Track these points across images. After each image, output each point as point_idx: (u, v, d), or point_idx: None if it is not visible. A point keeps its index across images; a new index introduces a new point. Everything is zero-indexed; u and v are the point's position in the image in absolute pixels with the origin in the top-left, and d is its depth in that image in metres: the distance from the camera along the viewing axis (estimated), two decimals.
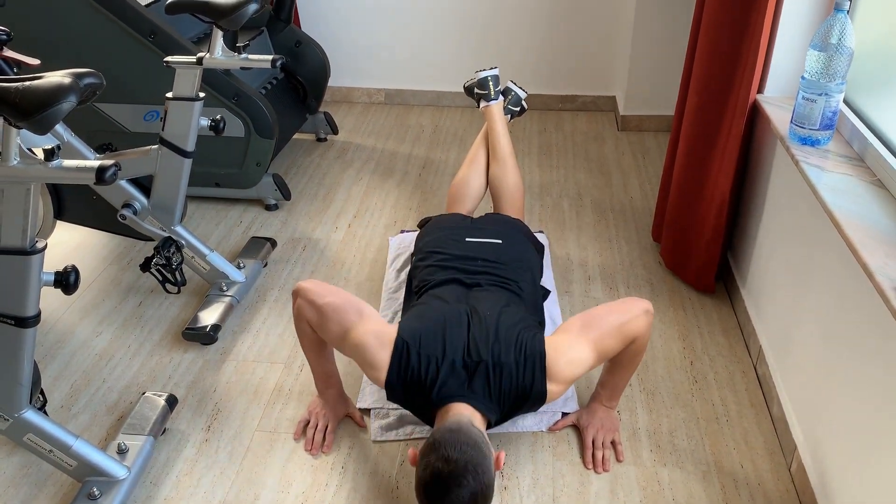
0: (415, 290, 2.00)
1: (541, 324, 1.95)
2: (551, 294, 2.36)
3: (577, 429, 1.90)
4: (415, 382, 1.64)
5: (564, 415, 1.93)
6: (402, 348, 1.65)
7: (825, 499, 1.59)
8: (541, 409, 1.93)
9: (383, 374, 1.65)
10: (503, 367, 1.63)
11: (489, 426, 1.67)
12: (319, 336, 1.79)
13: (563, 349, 1.66)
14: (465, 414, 1.59)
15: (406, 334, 1.67)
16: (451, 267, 1.96)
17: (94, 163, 1.32)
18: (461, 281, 1.92)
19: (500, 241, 2.07)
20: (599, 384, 1.89)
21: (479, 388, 1.63)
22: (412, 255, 2.14)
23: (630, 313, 1.71)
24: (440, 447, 1.47)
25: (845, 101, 1.91)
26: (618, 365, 1.81)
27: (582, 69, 3.79)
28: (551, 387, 1.64)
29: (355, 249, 2.68)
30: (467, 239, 2.08)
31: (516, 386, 1.64)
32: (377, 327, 1.69)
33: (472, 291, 1.87)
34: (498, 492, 1.74)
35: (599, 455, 1.81)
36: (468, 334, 1.68)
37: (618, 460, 1.81)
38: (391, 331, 1.69)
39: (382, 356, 1.65)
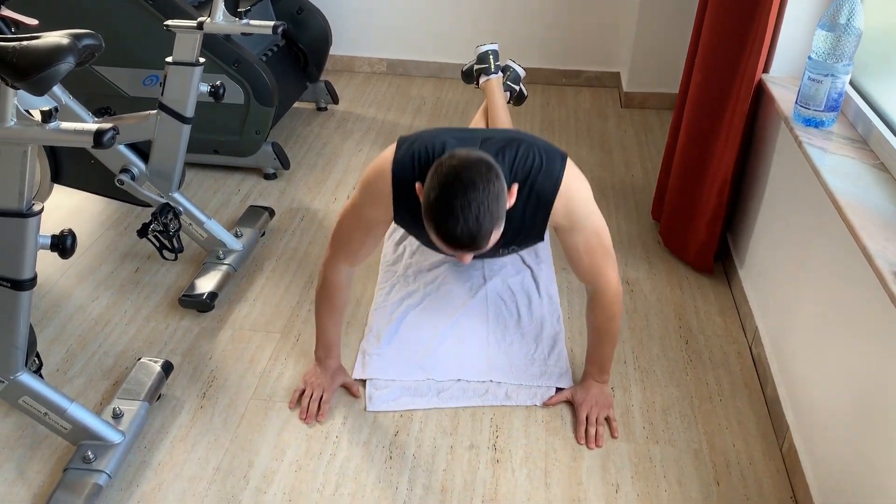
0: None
1: None
2: (549, 272, 2.36)
3: (571, 405, 1.91)
4: (421, 161, 1.60)
5: (559, 390, 1.94)
6: (400, 144, 1.65)
7: (816, 480, 1.60)
8: (535, 383, 1.94)
9: (389, 172, 1.63)
10: (520, 143, 1.62)
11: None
12: (342, 295, 1.83)
13: (581, 185, 1.68)
14: None
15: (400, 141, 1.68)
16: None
17: (92, 126, 1.31)
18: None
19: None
20: (587, 362, 1.91)
21: (490, 150, 1.58)
22: None
23: (615, 270, 1.77)
24: (452, 154, 1.44)
25: (851, 83, 1.90)
26: (596, 332, 1.84)
27: (586, 44, 3.76)
28: (559, 202, 1.62)
29: None
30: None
31: (529, 166, 1.60)
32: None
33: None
34: (490, 465, 1.75)
35: (593, 431, 1.82)
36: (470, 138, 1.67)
37: (612, 436, 1.82)
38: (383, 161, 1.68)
39: (383, 158, 1.66)
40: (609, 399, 1.89)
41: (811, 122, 1.79)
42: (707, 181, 2.26)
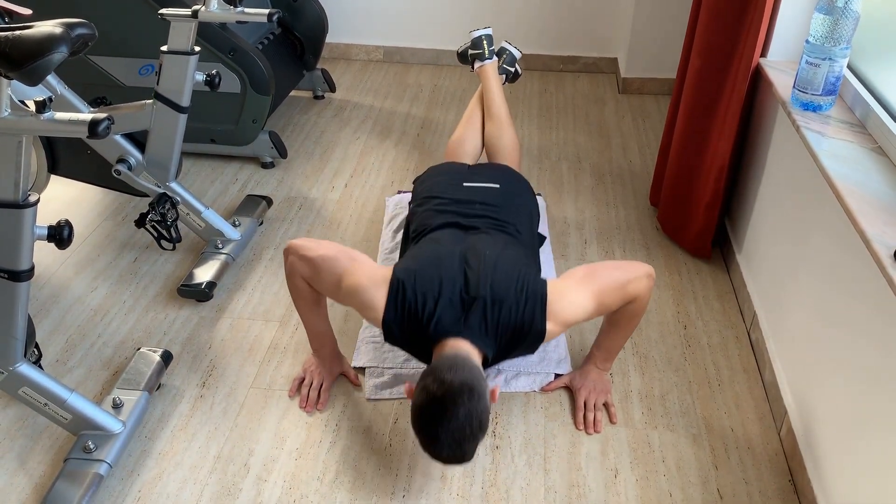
0: (412, 235, 1.99)
1: (538, 270, 1.95)
2: (547, 258, 2.36)
3: (570, 391, 1.92)
4: (411, 319, 1.63)
5: (557, 376, 1.94)
6: (397, 286, 1.65)
7: (813, 463, 1.61)
8: (534, 370, 1.94)
9: (380, 313, 1.64)
10: (502, 303, 1.63)
11: (486, 363, 1.67)
12: (314, 293, 1.79)
13: (564, 292, 1.66)
14: (462, 348, 1.59)
15: (401, 273, 1.67)
16: (449, 211, 1.95)
17: (87, 116, 1.30)
18: (459, 224, 1.90)
19: (497, 185, 2.06)
20: (595, 346, 1.90)
21: (475, 324, 1.62)
22: (409, 202, 2.13)
23: (634, 273, 1.71)
24: (436, 371, 1.49)
25: (849, 67, 1.89)
26: (614, 326, 1.82)
27: (584, 30, 3.74)
28: (550, 326, 1.63)
29: (352, 209, 2.67)
30: (465, 184, 2.06)
31: (515, 322, 1.63)
32: (371, 270, 1.69)
33: (469, 234, 1.86)
34: (489, 451, 1.76)
35: (591, 416, 1.82)
36: (465, 272, 1.67)
37: (611, 422, 1.83)
38: (386, 272, 1.69)
39: (378, 295, 1.65)
40: (607, 385, 1.89)
41: (809, 107, 1.78)
42: (705, 166, 2.25)
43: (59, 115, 1.32)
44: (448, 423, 1.44)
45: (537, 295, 1.64)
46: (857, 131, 1.70)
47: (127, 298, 2.24)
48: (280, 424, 1.83)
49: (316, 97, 3.51)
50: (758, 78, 2.10)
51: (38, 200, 1.44)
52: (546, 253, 2.38)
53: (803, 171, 1.80)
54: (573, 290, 1.67)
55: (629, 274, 1.71)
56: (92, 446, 1.66)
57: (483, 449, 1.76)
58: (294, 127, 3.25)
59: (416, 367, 1.97)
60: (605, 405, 1.86)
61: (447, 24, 3.81)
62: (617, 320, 1.80)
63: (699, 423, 1.83)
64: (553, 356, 1.99)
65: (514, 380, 1.94)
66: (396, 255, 2.37)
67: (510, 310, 1.62)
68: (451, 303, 1.63)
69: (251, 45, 2.74)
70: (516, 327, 1.63)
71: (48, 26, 1.27)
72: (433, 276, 1.66)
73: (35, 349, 1.89)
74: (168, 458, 1.74)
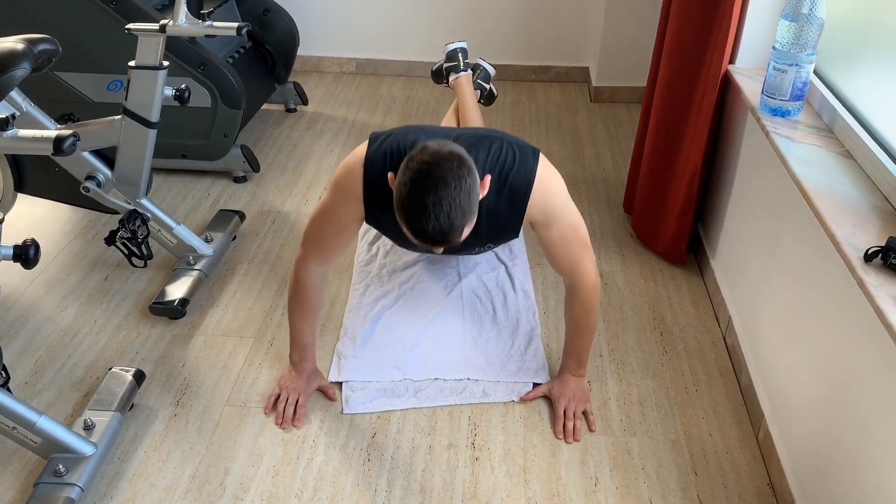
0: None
1: None
2: (524, 268, 2.36)
3: (549, 399, 1.91)
4: (393, 155, 1.60)
5: (536, 385, 1.94)
6: (375, 139, 1.64)
7: (791, 466, 1.61)
8: (512, 379, 1.94)
9: (360, 172, 1.62)
10: (491, 143, 1.62)
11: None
12: (315, 296, 1.82)
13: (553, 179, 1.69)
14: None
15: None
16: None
17: (52, 133, 1.28)
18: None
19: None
20: (565, 355, 1.91)
21: (464, 145, 1.59)
22: None
23: (592, 262, 1.77)
24: (424, 148, 1.42)
25: (815, 72, 1.92)
26: (574, 328, 1.84)
27: (555, 40, 3.76)
28: (536, 192, 1.63)
29: None
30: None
31: (504, 162, 1.61)
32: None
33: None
34: (469, 463, 1.75)
35: (570, 425, 1.82)
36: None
37: (590, 430, 1.83)
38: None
39: (355, 158, 1.65)
40: (586, 392, 1.89)
41: (777, 112, 1.80)
42: (677, 173, 2.27)
43: (23, 133, 1.30)
44: (437, 191, 1.36)
45: (528, 154, 1.65)
46: (825, 136, 1.72)
47: (98, 317, 2.20)
48: (256, 442, 1.80)
49: (288, 110, 3.49)
50: (727, 84, 2.12)
51: (2, 219, 1.41)
52: (522, 262, 2.38)
53: (773, 175, 1.82)
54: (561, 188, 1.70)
55: (592, 259, 1.77)
56: (63, 470, 1.62)
57: (462, 461, 1.75)
58: (266, 140, 3.23)
59: (394, 379, 1.95)
60: (584, 413, 1.86)
61: (419, 36, 3.81)
62: (575, 319, 1.83)
63: (678, 428, 1.83)
64: (531, 366, 1.99)
65: (493, 390, 1.93)
66: (373, 266, 2.36)
67: (499, 149, 1.62)
68: (436, 134, 1.61)
69: (221, 58, 2.72)
70: (503, 169, 1.61)
71: (10, 42, 1.24)
72: (408, 130, 1.66)
73: (3, 372, 1.84)
74: (142, 479, 1.71)
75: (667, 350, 2.07)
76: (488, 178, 1.54)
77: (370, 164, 1.63)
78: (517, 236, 1.78)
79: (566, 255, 1.75)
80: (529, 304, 2.21)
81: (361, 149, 1.66)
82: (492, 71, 2.72)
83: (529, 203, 1.64)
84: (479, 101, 2.66)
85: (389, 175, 1.51)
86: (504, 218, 1.68)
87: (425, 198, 1.37)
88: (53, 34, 1.94)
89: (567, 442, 1.80)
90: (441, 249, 1.52)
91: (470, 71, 2.63)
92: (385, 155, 1.62)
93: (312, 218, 1.80)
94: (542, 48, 3.79)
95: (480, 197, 1.49)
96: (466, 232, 1.46)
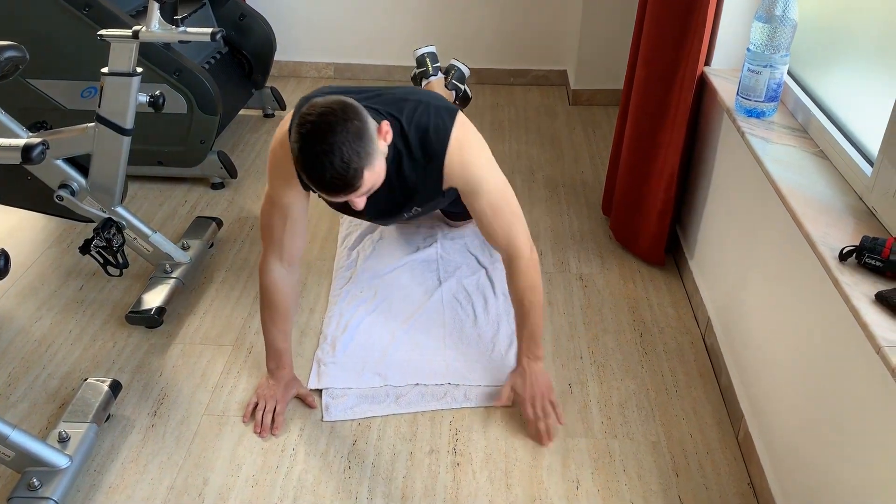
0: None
1: None
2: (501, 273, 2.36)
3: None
4: None
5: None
6: (295, 109, 1.64)
7: (771, 466, 1.62)
8: (493, 384, 1.93)
9: (287, 143, 1.64)
10: (416, 105, 1.66)
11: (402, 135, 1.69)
12: (285, 301, 1.82)
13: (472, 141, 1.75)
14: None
15: None
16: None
17: (20, 141, 1.26)
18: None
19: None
20: (518, 339, 1.89)
21: (384, 102, 1.65)
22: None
23: (524, 228, 1.79)
24: (311, 104, 1.44)
25: (789, 73, 1.93)
26: (521, 307, 1.84)
27: (533, 43, 3.77)
28: (453, 151, 1.67)
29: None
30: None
31: (417, 123, 1.66)
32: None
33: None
34: (450, 469, 1.74)
35: (542, 426, 1.79)
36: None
37: (559, 422, 1.81)
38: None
39: (281, 132, 1.68)
40: (547, 379, 1.86)
41: (752, 113, 1.81)
42: (654, 175, 2.28)
43: None
44: (325, 140, 1.38)
45: (444, 113, 1.69)
46: (800, 136, 1.73)
47: (73, 327, 2.17)
48: (235, 451, 1.78)
49: (266, 115, 3.47)
50: (703, 86, 2.13)
51: None
52: (502, 266, 2.38)
53: (749, 176, 1.83)
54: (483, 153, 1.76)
55: (524, 230, 1.79)
56: (37, 483, 1.59)
57: (444, 467, 1.74)
58: (244, 146, 3.21)
59: (374, 386, 1.94)
60: (552, 405, 1.84)
61: (396, 40, 3.80)
62: (520, 298, 1.83)
63: (658, 430, 1.83)
64: (508, 369, 1.98)
65: (475, 394, 1.92)
66: (352, 272, 2.35)
67: (415, 109, 1.66)
68: (352, 93, 1.63)
69: (197, 64, 2.69)
70: (419, 128, 1.65)
71: None
72: (328, 92, 1.66)
73: None
74: (119, 491, 1.68)
75: (647, 351, 2.08)
76: (386, 123, 1.54)
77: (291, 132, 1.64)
78: (443, 197, 1.81)
79: (500, 226, 1.76)
80: (510, 307, 2.21)
81: (285, 122, 1.69)
82: (466, 71, 2.72)
83: (446, 163, 1.68)
84: (454, 103, 2.66)
85: (290, 142, 1.55)
86: (422, 177, 1.72)
87: (315, 147, 1.40)
88: (25, 40, 1.91)
89: (542, 444, 1.79)
90: (360, 202, 1.51)
91: (440, 74, 2.63)
92: None
93: (261, 213, 1.81)
94: (521, 52, 3.79)
95: (385, 143, 1.51)
96: (370, 178, 1.46)
